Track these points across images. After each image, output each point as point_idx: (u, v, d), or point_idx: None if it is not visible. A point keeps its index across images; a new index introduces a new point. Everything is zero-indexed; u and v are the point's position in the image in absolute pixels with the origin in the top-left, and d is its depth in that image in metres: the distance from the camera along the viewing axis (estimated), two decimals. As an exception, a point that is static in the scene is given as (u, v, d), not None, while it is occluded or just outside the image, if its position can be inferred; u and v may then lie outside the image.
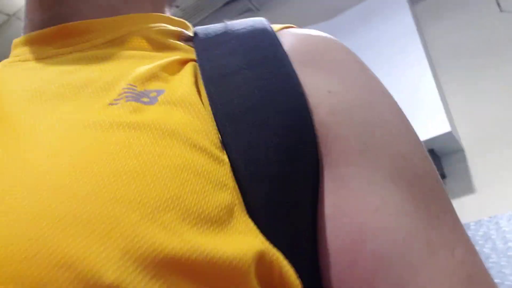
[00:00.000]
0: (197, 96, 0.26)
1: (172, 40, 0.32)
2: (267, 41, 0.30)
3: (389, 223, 0.23)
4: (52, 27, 0.32)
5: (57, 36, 0.32)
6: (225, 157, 0.24)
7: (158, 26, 0.33)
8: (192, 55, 0.30)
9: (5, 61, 0.34)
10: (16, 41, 0.35)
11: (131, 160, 0.21)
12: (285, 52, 0.29)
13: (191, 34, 0.34)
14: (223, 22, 0.34)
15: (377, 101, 0.28)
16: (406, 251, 0.22)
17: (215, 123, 0.25)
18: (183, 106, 0.25)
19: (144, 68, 0.28)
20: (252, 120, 0.25)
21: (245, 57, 0.28)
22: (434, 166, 0.27)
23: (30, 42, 0.33)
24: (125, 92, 0.26)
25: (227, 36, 0.31)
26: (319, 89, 0.27)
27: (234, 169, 0.23)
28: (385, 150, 0.25)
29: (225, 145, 0.24)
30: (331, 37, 0.31)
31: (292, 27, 0.33)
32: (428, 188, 0.25)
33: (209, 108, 0.26)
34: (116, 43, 0.32)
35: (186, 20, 0.36)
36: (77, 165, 0.21)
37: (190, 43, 0.33)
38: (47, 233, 0.18)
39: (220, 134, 0.25)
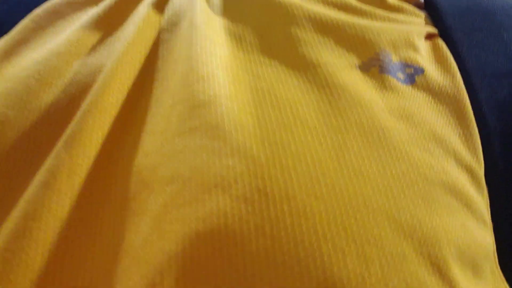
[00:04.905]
0: (462, 93, 0.22)
1: (406, 5, 0.28)
2: None
3: None
4: None
5: None
6: (485, 187, 0.19)
7: None
8: (433, 29, 0.26)
9: None
10: None
11: (400, 164, 0.17)
12: None
13: None
14: None
15: None
16: None
17: (478, 139, 0.21)
18: (447, 102, 0.21)
19: (396, 29, 0.23)
20: None
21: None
22: None
23: None
24: (378, 59, 0.22)
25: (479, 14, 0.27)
26: None
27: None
28: None
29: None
30: None
31: None
32: None
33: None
34: None
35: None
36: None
37: (423, 11, 0.28)
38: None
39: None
